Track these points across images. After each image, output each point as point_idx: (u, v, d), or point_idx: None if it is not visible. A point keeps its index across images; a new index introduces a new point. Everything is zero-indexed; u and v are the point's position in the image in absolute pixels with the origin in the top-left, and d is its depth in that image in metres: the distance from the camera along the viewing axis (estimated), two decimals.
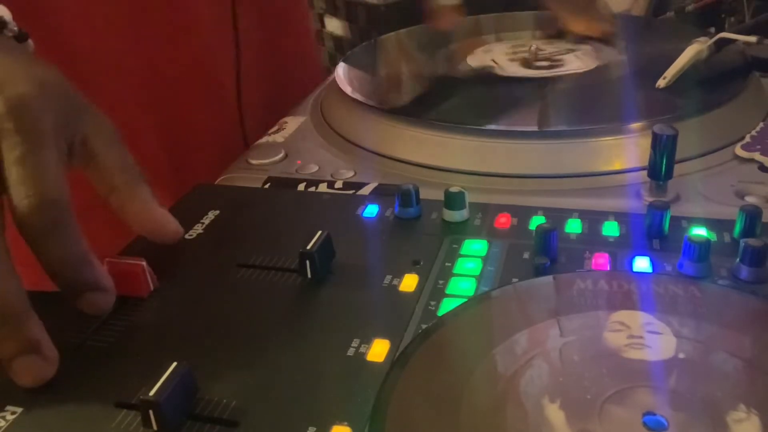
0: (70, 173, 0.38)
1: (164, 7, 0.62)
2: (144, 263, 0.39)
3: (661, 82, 0.56)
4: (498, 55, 0.68)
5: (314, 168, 0.54)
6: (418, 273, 0.39)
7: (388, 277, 0.39)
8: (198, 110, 0.67)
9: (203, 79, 0.66)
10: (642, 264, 0.39)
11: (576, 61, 0.65)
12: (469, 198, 0.44)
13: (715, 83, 0.58)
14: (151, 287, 0.39)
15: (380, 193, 0.49)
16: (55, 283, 0.35)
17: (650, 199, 0.44)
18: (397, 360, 0.32)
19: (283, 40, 0.76)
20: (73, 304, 0.35)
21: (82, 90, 0.56)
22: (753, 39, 0.59)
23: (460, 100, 0.60)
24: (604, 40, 0.70)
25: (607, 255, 0.39)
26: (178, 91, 0.65)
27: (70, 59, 0.59)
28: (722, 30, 0.65)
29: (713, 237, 0.40)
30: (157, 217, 0.41)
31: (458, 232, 0.43)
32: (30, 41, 0.42)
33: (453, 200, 0.44)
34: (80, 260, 0.35)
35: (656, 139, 0.44)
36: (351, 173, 0.52)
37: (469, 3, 0.77)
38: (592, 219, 0.43)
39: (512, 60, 0.67)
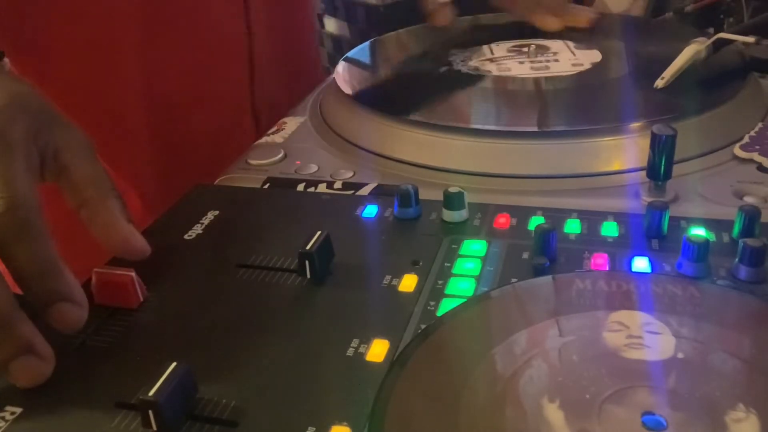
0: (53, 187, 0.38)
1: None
2: (133, 274, 0.38)
3: (660, 83, 0.56)
4: (497, 55, 0.68)
5: (313, 168, 0.54)
6: (417, 273, 0.39)
7: (388, 277, 0.39)
8: (210, 101, 0.67)
9: (216, 69, 0.67)
10: (641, 264, 0.39)
11: (575, 61, 0.65)
12: (469, 198, 0.44)
13: (713, 83, 0.58)
14: (141, 299, 0.38)
15: (379, 194, 0.49)
16: (24, 294, 0.34)
17: (649, 200, 0.44)
18: (396, 360, 0.32)
19: (290, 35, 0.76)
20: (44, 317, 0.34)
21: (90, 87, 0.56)
22: (751, 39, 0.59)
23: (459, 100, 0.61)
24: (585, 29, 0.71)
25: (606, 255, 0.40)
26: (189, 81, 0.65)
27: (78, 57, 0.60)
28: (721, 30, 0.65)
29: (712, 237, 0.40)
30: (123, 233, 0.39)
31: (457, 232, 0.43)
32: (6, 60, 0.42)
33: (452, 200, 0.44)
34: (49, 268, 0.34)
35: (655, 140, 0.44)
36: (350, 173, 0.52)
37: (469, 3, 0.77)
38: (591, 219, 0.43)
39: (511, 59, 0.67)
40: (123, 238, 0.39)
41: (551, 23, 0.72)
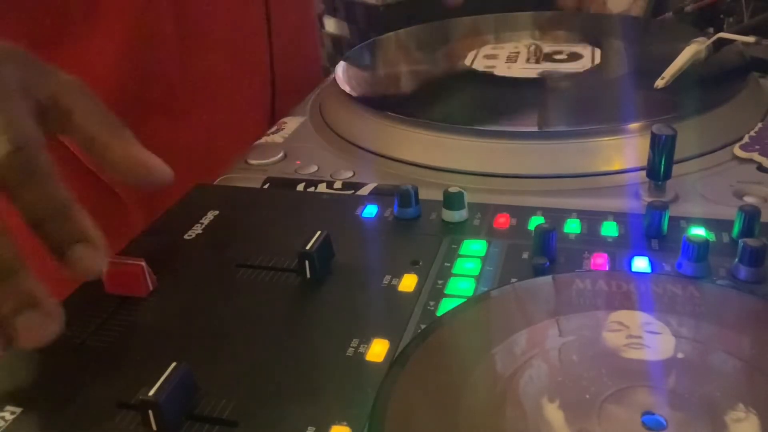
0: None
1: None
2: (144, 263, 0.39)
3: (660, 83, 0.56)
4: (497, 55, 0.68)
5: (313, 168, 0.54)
6: (417, 273, 0.39)
7: (387, 277, 0.39)
8: (231, 82, 0.67)
9: (235, 52, 0.67)
10: (641, 264, 0.39)
11: (575, 61, 0.65)
12: (468, 198, 0.44)
13: (713, 83, 0.58)
14: (151, 287, 0.39)
15: (379, 194, 0.49)
16: (40, 239, 0.33)
17: (649, 199, 0.44)
18: (396, 360, 0.32)
19: (298, 31, 0.77)
20: (61, 264, 0.33)
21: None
22: (751, 39, 0.59)
23: (459, 100, 0.61)
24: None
25: (605, 255, 0.40)
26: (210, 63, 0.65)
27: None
28: (721, 30, 0.65)
29: (712, 237, 0.40)
30: (142, 158, 0.38)
31: (457, 232, 0.43)
32: None
33: (452, 200, 0.44)
34: (62, 206, 0.33)
35: (655, 140, 0.44)
36: (350, 173, 0.52)
37: (469, 3, 0.77)
38: (591, 219, 0.43)
39: (511, 60, 0.67)
40: (143, 163, 0.38)
41: None
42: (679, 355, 0.31)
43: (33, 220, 0.33)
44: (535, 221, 0.43)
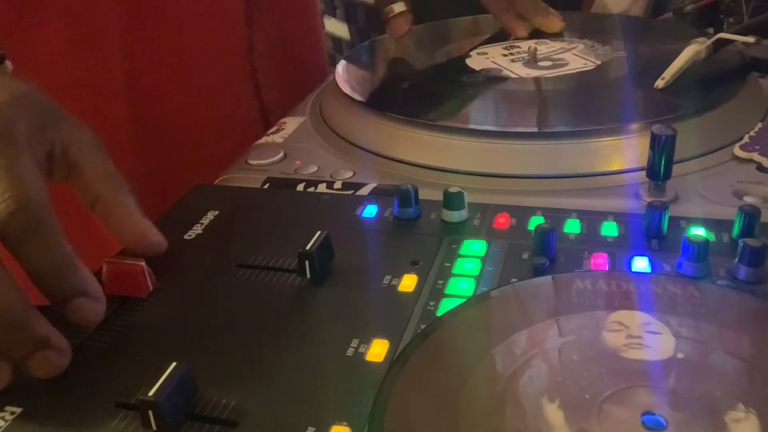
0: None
1: None
2: (143, 264, 0.39)
3: (660, 83, 0.56)
4: (497, 56, 0.68)
5: (313, 168, 0.54)
6: (417, 273, 0.39)
7: (387, 278, 0.39)
8: (214, 94, 0.67)
9: (217, 62, 0.67)
10: (641, 264, 0.39)
11: (574, 62, 0.65)
12: (468, 198, 0.44)
13: (713, 84, 0.58)
14: (151, 288, 0.39)
15: (379, 194, 0.49)
16: (41, 292, 0.34)
17: (649, 200, 0.44)
18: (396, 360, 0.32)
19: (292, 27, 0.76)
20: (62, 313, 0.35)
21: (70, 81, 0.55)
22: (751, 39, 0.59)
23: (459, 100, 0.61)
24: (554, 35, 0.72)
25: (605, 255, 0.40)
26: (193, 75, 0.65)
27: (77, 53, 0.59)
28: (721, 30, 0.65)
29: (712, 237, 0.40)
30: (139, 227, 0.40)
31: (457, 232, 0.43)
32: (8, 63, 0.42)
33: (452, 200, 0.44)
34: (64, 264, 0.34)
35: (655, 140, 0.44)
36: (350, 173, 0.52)
37: (468, 3, 0.77)
38: (591, 219, 0.43)
39: (511, 60, 0.67)
40: (139, 234, 0.40)
41: (519, 29, 0.73)
42: (679, 355, 0.31)
43: (34, 275, 0.34)
44: (535, 221, 0.43)
